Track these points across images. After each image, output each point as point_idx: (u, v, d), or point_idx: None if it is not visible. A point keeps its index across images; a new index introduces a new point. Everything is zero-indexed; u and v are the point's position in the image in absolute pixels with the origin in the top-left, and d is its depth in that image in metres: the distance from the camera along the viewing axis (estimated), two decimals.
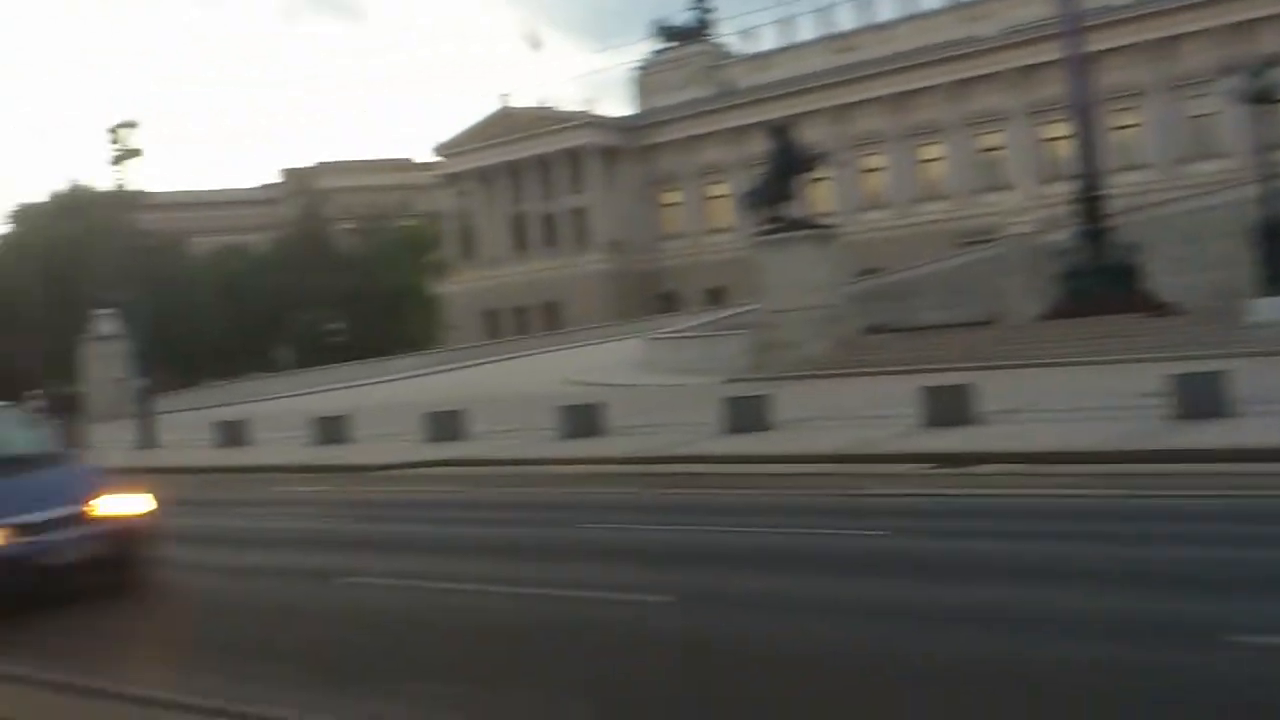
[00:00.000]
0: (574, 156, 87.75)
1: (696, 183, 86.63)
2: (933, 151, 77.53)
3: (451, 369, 61.42)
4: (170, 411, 42.75)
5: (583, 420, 24.22)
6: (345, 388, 55.31)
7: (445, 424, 26.43)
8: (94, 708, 7.92)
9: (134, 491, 11.62)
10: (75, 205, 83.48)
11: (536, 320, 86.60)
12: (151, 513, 11.59)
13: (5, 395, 68.33)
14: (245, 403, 49.61)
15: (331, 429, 29.15)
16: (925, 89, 75.93)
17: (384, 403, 40.17)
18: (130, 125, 37.38)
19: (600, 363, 47.12)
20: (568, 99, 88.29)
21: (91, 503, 11.08)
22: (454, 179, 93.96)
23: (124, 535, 11.11)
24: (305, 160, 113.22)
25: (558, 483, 19.52)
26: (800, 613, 9.22)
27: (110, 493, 11.36)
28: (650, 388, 37.31)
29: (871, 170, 79.51)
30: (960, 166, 75.79)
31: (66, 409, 41.21)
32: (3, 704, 8.07)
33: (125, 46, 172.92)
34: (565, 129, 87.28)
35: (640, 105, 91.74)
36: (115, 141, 37.40)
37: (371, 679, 8.02)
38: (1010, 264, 40.95)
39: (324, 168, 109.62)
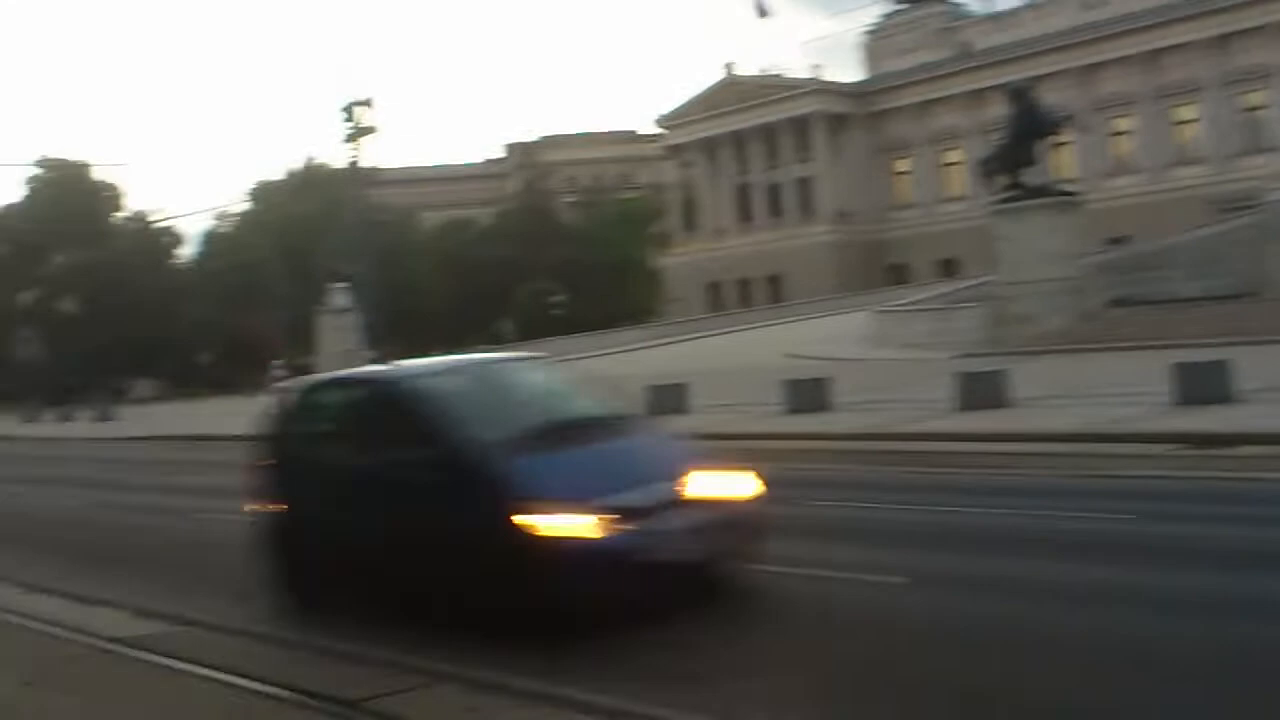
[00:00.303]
0: (801, 125, 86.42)
1: (929, 150, 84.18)
2: (1188, 112, 73.32)
3: (673, 342, 61.35)
4: None
5: (807, 395, 23.49)
6: (567, 360, 55.69)
7: (667, 397, 26.07)
8: None
9: (734, 469, 9.15)
10: (310, 182, 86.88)
11: (760, 292, 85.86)
12: (758, 497, 9.15)
13: (248, 365, 71.21)
14: None
15: None
16: (1180, 46, 71.77)
17: (605, 375, 40.16)
18: (364, 104, 38.24)
19: (825, 336, 46.18)
20: (794, 66, 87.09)
21: (685, 482, 8.59)
22: (677, 150, 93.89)
23: (731, 525, 8.64)
24: (529, 135, 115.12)
25: (781, 458, 18.77)
26: (1037, 597, 8.61)
27: (704, 469, 8.86)
28: (877, 362, 36.16)
29: (1120, 133, 75.79)
30: (1219, 128, 71.30)
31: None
32: None
33: (357, 25, 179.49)
34: (792, 97, 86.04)
35: (870, 70, 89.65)
36: (349, 119, 38.36)
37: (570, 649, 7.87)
38: (1273, 232, 37.96)
39: (547, 141, 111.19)
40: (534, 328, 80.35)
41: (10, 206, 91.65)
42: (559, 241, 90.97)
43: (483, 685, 7.16)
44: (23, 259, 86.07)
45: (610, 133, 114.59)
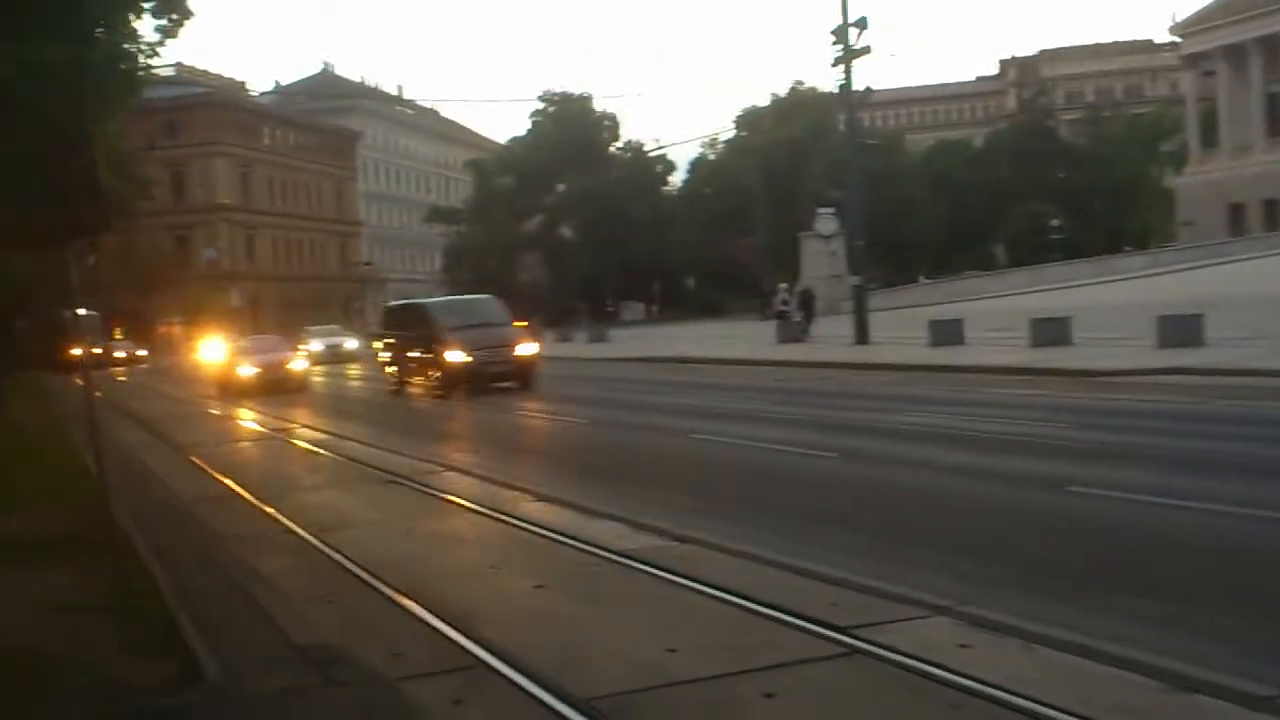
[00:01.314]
0: None
1: None
2: None
3: (1186, 269, 57.01)
4: (884, 309, 43.45)
5: None
6: (1064, 287, 53.31)
7: (1179, 328, 24.22)
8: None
9: None
10: (795, 106, 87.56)
11: None
12: None
13: (731, 290, 73.54)
14: (959, 301, 49.47)
15: (1049, 331, 27.93)
16: None
17: (1108, 304, 38.03)
18: (858, 24, 37.56)
19: None
20: None
21: None
22: (1195, 59, 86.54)
23: None
24: (1027, 49, 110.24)
25: None
26: None
27: None
28: None
29: None
30: None
31: (805, 304, 43.36)
32: None
33: None
34: None
35: None
36: (838, 42, 37.90)
37: (1085, 589, 7.70)
38: None
39: (1046, 55, 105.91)
40: (1027, 253, 77.30)
41: (516, 139, 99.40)
42: (1057, 161, 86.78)
43: (979, 622, 6.89)
44: (527, 188, 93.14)
45: (1118, 43, 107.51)
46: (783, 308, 42.99)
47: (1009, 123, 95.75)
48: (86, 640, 7.29)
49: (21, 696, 6.25)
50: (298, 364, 35.53)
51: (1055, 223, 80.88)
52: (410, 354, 29.95)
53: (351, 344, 52.42)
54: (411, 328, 30.17)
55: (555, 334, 60.50)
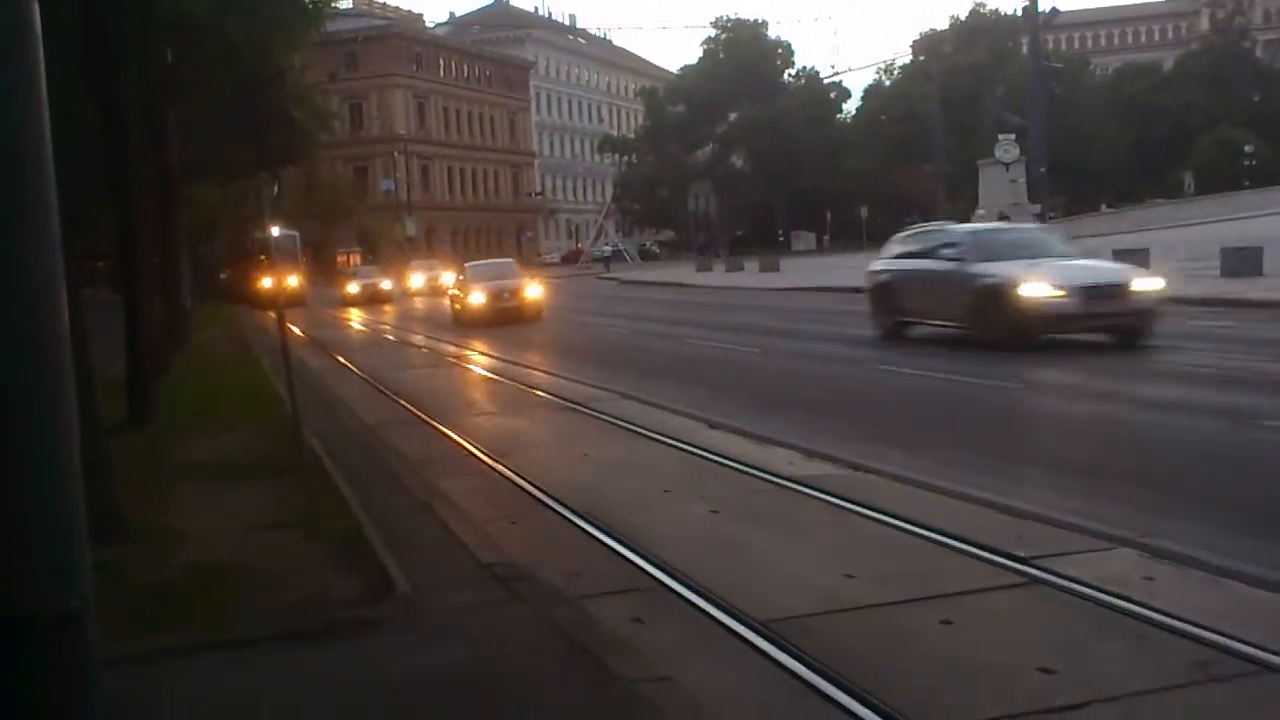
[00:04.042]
0: None
1: None
2: None
3: None
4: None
5: None
6: (1257, 216, 50.77)
7: None
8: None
9: None
10: (976, 30, 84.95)
11: None
12: None
13: (904, 218, 71.41)
14: (1144, 230, 47.62)
15: (1240, 261, 26.75)
16: None
17: None
18: None
19: None
20: None
21: None
22: None
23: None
24: None
25: None
26: None
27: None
28: None
29: None
30: None
31: None
32: None
33: None
34: None
35: None
36: None
37: (1276, 524, 7.43)
38: None
39: None
40: (1218, 181, 73.88)
41: (688, 68, 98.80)
42: (1252, 85, 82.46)
43: (1165, 555, 6.73)
44: (699, 117, 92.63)
45: None
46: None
47: (1201, 44, 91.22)
48: (281, 556, 7.65)
49: (221, 608, 6.61)
50: None
51: (1248, 149, 76.98)
52: None
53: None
54: None
55: (727, 263, 60.43)
